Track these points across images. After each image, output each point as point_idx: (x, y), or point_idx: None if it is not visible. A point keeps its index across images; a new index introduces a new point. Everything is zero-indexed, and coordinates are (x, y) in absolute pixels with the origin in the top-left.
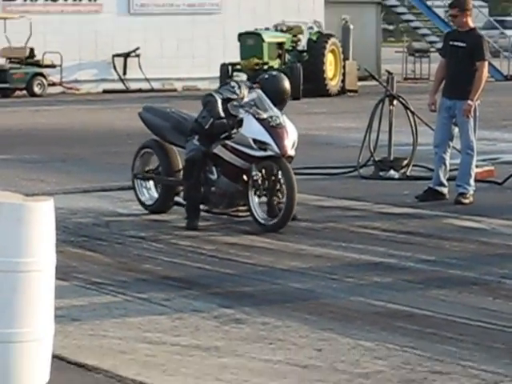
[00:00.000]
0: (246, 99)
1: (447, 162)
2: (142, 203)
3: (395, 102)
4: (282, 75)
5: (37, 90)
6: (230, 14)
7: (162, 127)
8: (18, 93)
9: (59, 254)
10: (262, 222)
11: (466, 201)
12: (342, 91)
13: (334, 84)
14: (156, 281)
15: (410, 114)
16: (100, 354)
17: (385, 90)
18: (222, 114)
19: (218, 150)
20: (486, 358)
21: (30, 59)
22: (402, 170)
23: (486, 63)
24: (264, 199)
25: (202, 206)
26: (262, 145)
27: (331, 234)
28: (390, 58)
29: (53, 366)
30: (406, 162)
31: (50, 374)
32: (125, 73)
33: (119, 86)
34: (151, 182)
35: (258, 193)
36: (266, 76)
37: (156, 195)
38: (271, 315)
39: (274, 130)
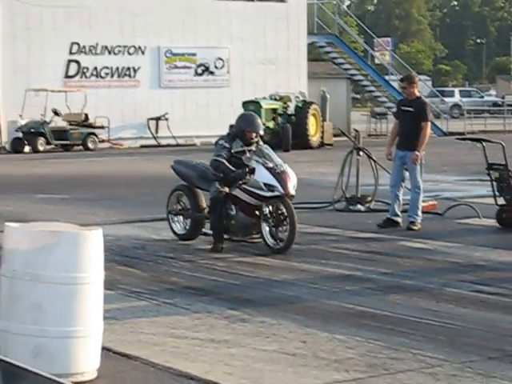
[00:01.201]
0: (255, 153)
1: (401, 198)
2: (174, 233)
3: (361, 153)
4: (249, 112)
5: (90, 145)
6: (236, 87)
7: (190, 176)
8: (75, 148)
9: (107, 270)
10: (272, 246)
11: (416, 228)
12: (321, 145)
13: (315, 139)
14: (180, 290)
15: (372, 162)
16: (138, 346)
17: (353, 144)
18: (234, 168)
19: (237, 192)
20: (431, 348)
21: (85, 122)
22: (367, 205)
23: (429, 123)
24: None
25: (225, 236)
26: (270, 187)
27: (313, 254)
28: (357, 119)
29: (102, 355)
30: (369, 198)
31: (100, 361)
32: (157, 132)
33: (152, 142)
34: (181, 217)
35: (267, 224)
36: (238, 116)
37: (185, 227)
38: (268, 315)
39: (279, 176)
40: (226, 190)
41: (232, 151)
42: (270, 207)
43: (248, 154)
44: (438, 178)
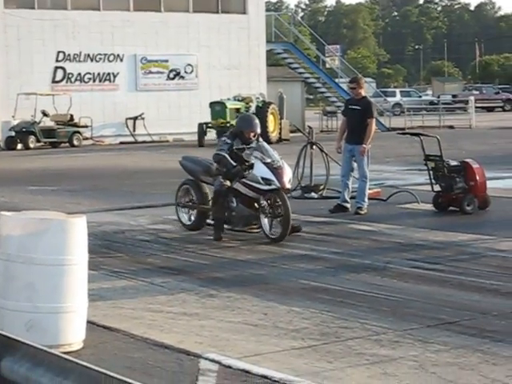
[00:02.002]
0: (255, 149)
1: (350, 186)
2: (182, 223)
3: (314, 146)
4: (247, 114)
5: (75, 142)
6: (203, 90)
7: (196, 170)
8: (62, 145)
9: (91, 252)
10: (269, 235)
11: (362, 212)
12: (279, 140)
13: (273, 135)
14: (156, 270)
15: (324, 155)
16: (119, 320)
17: (307, 139)
18: (234, 164)
19: (237, 185)
20: (376, 318)
21: (70, 122)
22: (320, 192)
23: (374, 120)
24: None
25: (225, 226)
26: (267, 181)
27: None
28: (311, 117)
29: (87, 328)
30: (321, 186)
31: (85, 333)
32: (134, 130)
33: (130, 139)
34: (188, 209)
35: (265, 215)
36: (238, 117)
37: (192, 218)
38: (233, 291)
39: (276, 171)
40: (228, 183)
41: (234, 147)
42: (268, 200)
43: (248, 151)
44: (381, 168)
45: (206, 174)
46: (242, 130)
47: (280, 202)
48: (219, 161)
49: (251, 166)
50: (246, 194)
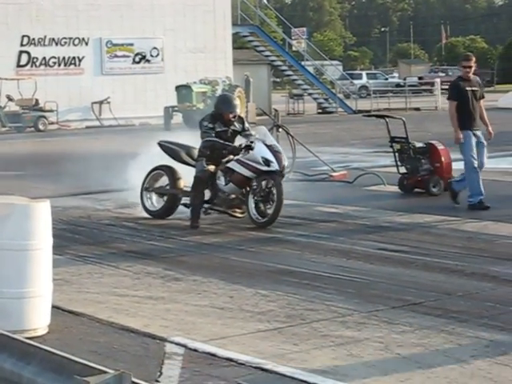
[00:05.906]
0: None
1: None
2: (146, 209)
3: (280, 129)
4: (226, 94)
5: (41, 127)
6: (169, 73)
7: (178, 151)
8: (28, 129)
9: (56, 237)
10: (255, 219)
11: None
12: None
13: None
14: (122, 254)
15: (290, 138)
16: (84, 304)
17: (273, 122)
18: (229, 144)
19: (232, 164)
20: (342, 299)
21: (35, 106)
22: (286, 175)
23: None
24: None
25: (206, 205)
26: (267, 162)
27: (239, 220)
28: (277, 100)
29: (52, 312)
30: (288, 169)
31: (50, 318)
32: (100, 114)
33: (96, 123)
34: (154, 195)
35: (255, 197)
36: (216, 96)
37: (156, 204)
38: (199, 274)
39: (276, 154)
40: (212, 168)
41: (216, 130)
42: (263, 182)
43: (247, 132)
44: (347, 151)
45: (188, 156)
46: (221, 113)
47: (274, 186)
48: (213, 145)
49: (249, 147)
50: (241, 173)
